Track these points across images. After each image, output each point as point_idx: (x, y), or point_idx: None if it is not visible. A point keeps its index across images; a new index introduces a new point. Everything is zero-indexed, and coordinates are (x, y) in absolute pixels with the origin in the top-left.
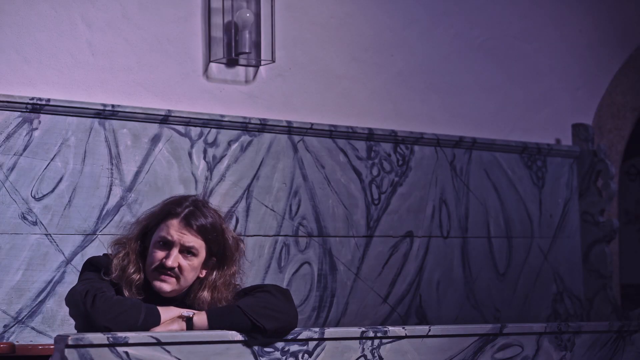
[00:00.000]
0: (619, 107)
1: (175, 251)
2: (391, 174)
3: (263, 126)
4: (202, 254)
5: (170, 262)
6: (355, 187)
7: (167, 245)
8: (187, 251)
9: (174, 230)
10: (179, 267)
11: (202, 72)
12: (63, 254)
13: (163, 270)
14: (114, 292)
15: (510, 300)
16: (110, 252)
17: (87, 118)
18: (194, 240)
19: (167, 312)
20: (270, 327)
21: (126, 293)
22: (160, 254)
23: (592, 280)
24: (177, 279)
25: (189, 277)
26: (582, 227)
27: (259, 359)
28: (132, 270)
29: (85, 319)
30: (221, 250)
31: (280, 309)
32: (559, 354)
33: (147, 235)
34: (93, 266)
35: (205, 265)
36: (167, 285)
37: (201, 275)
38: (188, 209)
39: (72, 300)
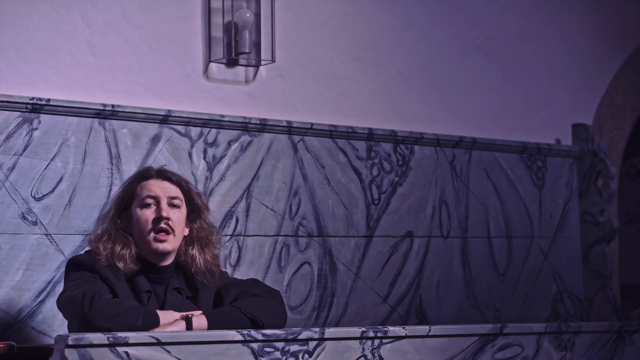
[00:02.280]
0: (619, 107)
1: (164, 204)
2: (391, 174)
3: (263, 126)
4: (184, 206)
5: (164, 213)
6: (355, 187)
7: (154, 201)
8: (172, 204)
9: (156, 187)
10: (171, 220)
11: (202, 72)
12: (63, 254)
13: (158, 227)
14: (109, 291)
15: (510, 300)
16: (90, 248)
17: (87, 118)
18: (176, 191)
19: (166, 316)
20: (267, 323)
21: (120, 265)
22: (149, 213)
23: (592, 280)
24: (173, 232)
25: (179, 231)
26: (582, 227)
27: (259, 359)
28: (119, 248)
29: (83, 322)
30: (193, 201)
31: (274, 310)
32: (559, 354)
33: (121, 215)
34: (78, 266)
35: (186, 222)
36: (167, 244)
37: (185, 234)
38: (157, 169)
39: (68, 304)
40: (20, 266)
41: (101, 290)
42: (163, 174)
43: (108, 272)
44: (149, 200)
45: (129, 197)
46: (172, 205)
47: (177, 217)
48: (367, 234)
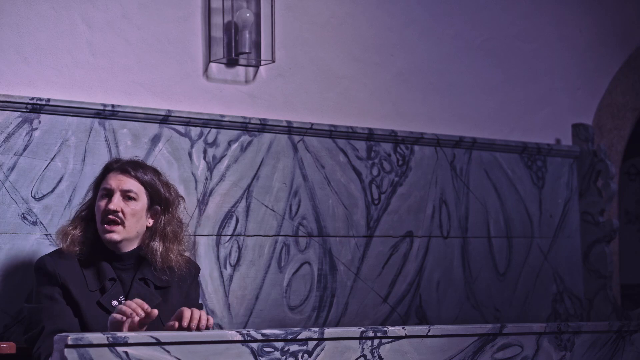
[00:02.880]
0: (619, 107)
1: (116, 196)
2: (391, 174)
3: (263, 126)
4: (143, 199)
5: (112, 206)
6: (355, 187)
7: (109, 193)
8: (127, 197)
9: (113, 179)
10: (122, 212)
11: (202, 72)
12: None
13: (108, 217)
14: (64, 303)
15: (510, 300)
16: (57, 240)
17: (87, 118)
18: (132, 184)
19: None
20: None
21: (77, 249)
22: (103, 205)
23: (592, 280)
24: (123, 224)
25: (133, 222)
26: (582, 227)
27: (259, 358)
28: (70, 227)
29: None
30: (162, 196)
31: None
32: (559, 354)
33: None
34: (39, 272)
35: (151, 213)
36: (115, 235)
37: (149, 225)
38: (123, 161)
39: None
40: (21, 266)
41: (51, 324)
42: (124, 167)
43: (66, 272)
44: (103, 192)
45: (97, 187)
46: (127, 198)
47: (131, 209)
48: (367, 234)
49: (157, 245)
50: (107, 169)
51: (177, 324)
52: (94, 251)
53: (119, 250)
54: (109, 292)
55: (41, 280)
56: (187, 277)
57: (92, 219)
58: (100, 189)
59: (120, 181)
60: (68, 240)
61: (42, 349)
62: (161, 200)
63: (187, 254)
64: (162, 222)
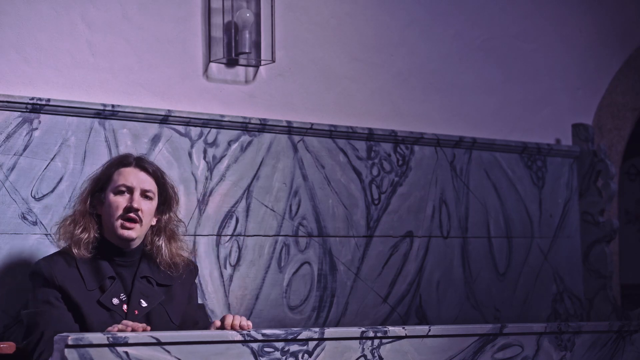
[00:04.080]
0: (619, 107)
1: (137, 195)
2: (391, 174)
3: (263, 126)
4: (156, 198)
5: (136, 204)
6: (355, 187)
7: (128, 190)
8: (145, 196)
9: (132, 176)
10: (141, 210)
11: (202, 72)
12: None
13: (127, 215)
14: (64, 309)
15: (510, 300)
16: (56, 236)
17: (87, 118)
18: (150, 184)
19: None
20: None
21: (75, 251)
22: (122, 201)
23: (592, 280)
24: (140, 222)
25: (147, 221)
26: (582, 227)
27: (259, 358)
28: (79, 231)
29: None
30: (167, 193)
31: None
32: (559, 354)
33: (95, 196)
34: (36, 278)
35: (156, 212)
36: (133, 232)
37: (153, 224)
38: (136, 157)
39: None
40: (21, 266)
41: (49, 325)
42: (141, 164)
43: (63, 274)
44: (123, 189)
45: (105, 180)
46: (144, 197)
47: (148, 207)
48: (367, 234)
49: (162, 242)
50: (120, 164)
51: (218, 323)
52: (95, 249)
53: (128, 247)
54: (109, 290)
55: (38, 284)
56: (189, 277)
57: (92, 214)
58: (116, 184)
59: (140, 179)
60: (81, 247)
61: (45, 355)
62: (166, 199)
63: (185, 253)
64: (165, 220)
